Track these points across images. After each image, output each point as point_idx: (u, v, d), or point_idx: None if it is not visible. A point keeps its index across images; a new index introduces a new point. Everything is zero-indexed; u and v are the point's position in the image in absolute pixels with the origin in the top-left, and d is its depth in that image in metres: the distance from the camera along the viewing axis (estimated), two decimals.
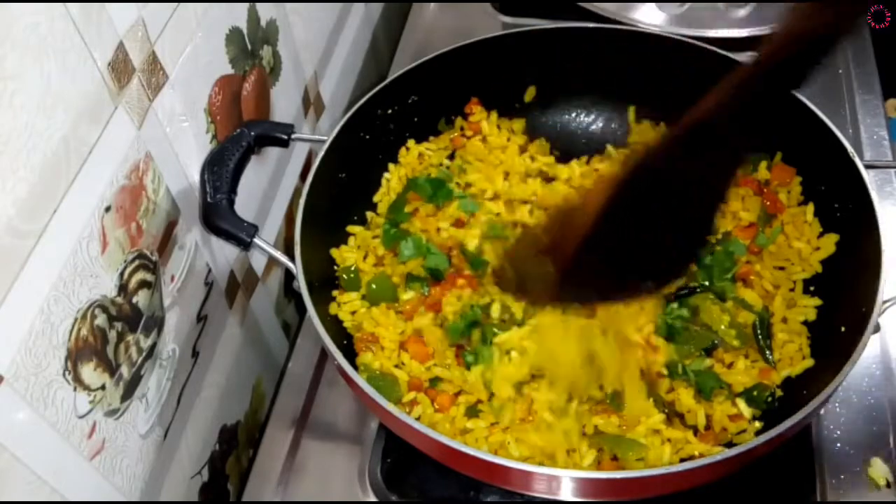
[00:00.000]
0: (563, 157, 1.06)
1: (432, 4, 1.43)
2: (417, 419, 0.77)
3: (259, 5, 0.93)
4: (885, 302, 0.78)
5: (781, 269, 0.93)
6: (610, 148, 1.05)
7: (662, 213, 0.66)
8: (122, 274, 0.72)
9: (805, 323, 0.88)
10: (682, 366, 0.85)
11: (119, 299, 0.71)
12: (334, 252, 0.94)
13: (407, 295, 0.92)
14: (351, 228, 0.97)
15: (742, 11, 1.25)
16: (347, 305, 0.90)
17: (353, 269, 0.93)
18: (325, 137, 0.92)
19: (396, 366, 0.87)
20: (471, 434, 0.81)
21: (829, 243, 0.91)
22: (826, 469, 0.87)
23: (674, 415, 0.83)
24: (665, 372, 0.85)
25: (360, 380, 0.76)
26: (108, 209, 0.69)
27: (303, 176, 1.12)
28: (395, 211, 0.98)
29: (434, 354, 0.88)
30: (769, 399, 0.84)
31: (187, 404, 0.88)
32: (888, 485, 0.85)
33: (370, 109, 0.98)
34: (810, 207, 0.94)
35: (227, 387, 0.97)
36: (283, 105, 1.03)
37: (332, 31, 1.19)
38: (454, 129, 1.06)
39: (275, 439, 0.94)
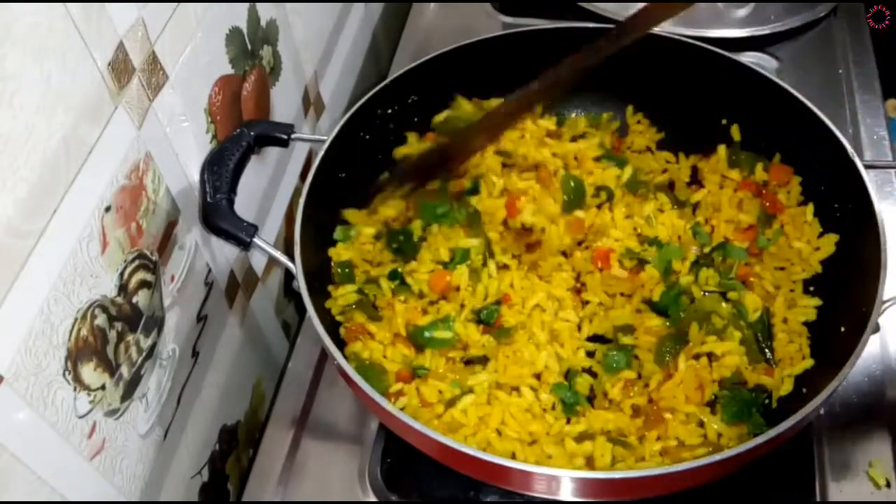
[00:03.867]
0: None
1: (432, 4, 1.43)
2: (402, 410, 0.78)
3: (259, 5, 0.93)
4: (885, 302, 0.78)
5: (782, 269, 0.93)
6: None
7: None
8: (122, 274, 0.72)
9: (805, 323, 0.88)
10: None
11: (119, 299, 0.71)
12: (332, 251, 0.94)
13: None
14: (346, 214, 0.97)
15: (742, 11, 1.25)
16: (342, 299, 0.90)
17: (346, 263, 0.93)
18: (325, 137, 0.92)
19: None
20: (459, 432, 0.82)
21: (829, 243, 0.91)
22: (826, 469, 0.87)
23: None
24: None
25: (359, 379, 0.76)
26: (108, 209, 0.69)
27: (303, 176, 1.12)
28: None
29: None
30: (766, 401, 0.84)
31: (187, 404, 0.88)
32: (888, 485, 0.85)
33: (370, 109, 0.98)
34: (810, 207, 0.94)
35: (227, 387, 0.97)
36: (283, 105, 1.03)
37: (332, 31, 1.19)
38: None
39: (275, 439, 0.94)
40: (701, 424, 0.82)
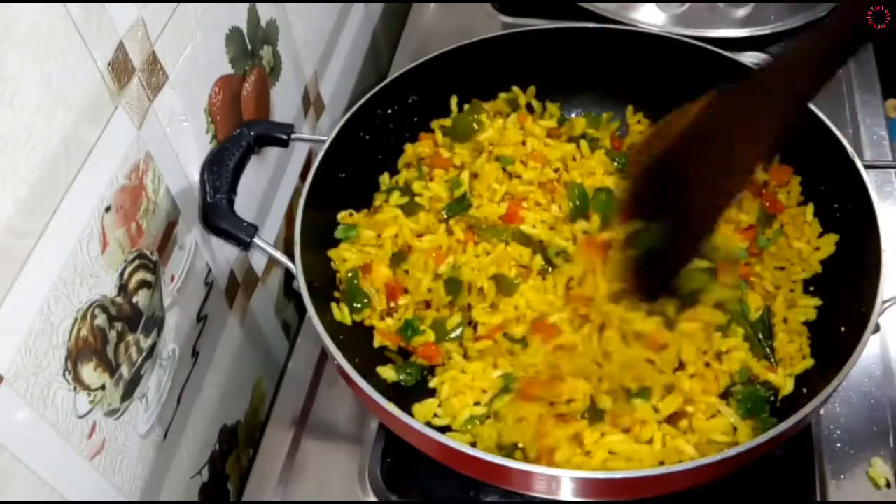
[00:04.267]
0: None
1: (432, 4, 1.43)
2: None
3: (259, 5, 0.93)
4: (885, 302, 0.78)
5: (782, 269, 0.93)
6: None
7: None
8: (122, 274, 0.72)
9: (805, 323, 0.88)
10: None
11: (119, 299, 0.72)
12: (332, 253, 0.94)
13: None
14: (344, 218, 0.97)
15: (742, 11, 1.25)
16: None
17: (352, 275, 0.91)
18: (325, 137, 0.92)
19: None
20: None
21: (829, 243, 0.91)
22: (826, 469, 0.87)
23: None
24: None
25: (359, 380, 0.76)
26: (108, 209, 0.69)
27: (303, 176, 1.12)
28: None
29: None
30: (771, 398, 0.84)
31: (187, 404, 0.88)
32: (888, 485, 0.85)
33: (370, 109, 0.98)
34: (810, 207, 0.94)
35: (227, 387, 0.97)
36: (283, 105, 1.03)
37: (332, 31, 1.19)
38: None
39: (275, 439, 0.94)
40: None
